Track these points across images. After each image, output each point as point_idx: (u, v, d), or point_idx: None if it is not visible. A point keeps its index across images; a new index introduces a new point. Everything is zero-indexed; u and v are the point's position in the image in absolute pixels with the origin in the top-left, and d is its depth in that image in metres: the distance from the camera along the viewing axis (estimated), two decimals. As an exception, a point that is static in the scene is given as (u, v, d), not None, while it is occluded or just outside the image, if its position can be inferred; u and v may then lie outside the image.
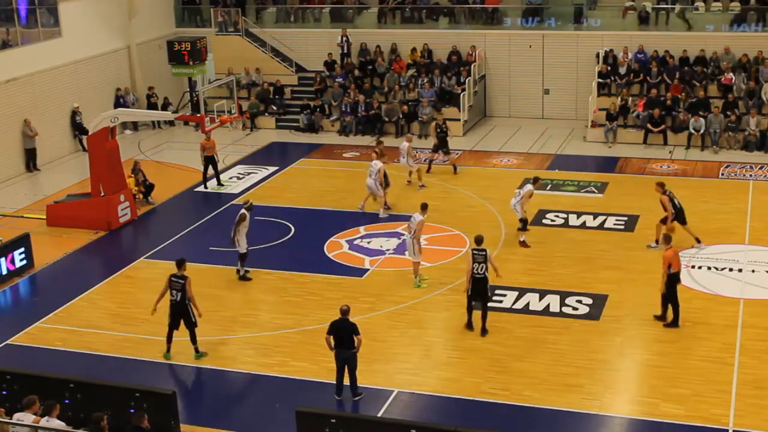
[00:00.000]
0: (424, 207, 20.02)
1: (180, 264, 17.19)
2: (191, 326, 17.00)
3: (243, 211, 20.39)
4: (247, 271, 20.58)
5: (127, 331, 18.33)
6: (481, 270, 17.38)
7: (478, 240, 17.81)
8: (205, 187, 27.01)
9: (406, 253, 20.31)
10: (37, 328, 18.67)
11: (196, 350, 17.14)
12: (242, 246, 20.27)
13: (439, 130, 27.74)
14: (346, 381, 15.63)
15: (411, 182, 26.52)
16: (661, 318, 17.80)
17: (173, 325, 17.07)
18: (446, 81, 32.99)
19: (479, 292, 17.52)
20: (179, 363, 17.07)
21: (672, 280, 17.48)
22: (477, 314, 17.71)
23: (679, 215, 21.23)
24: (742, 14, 32.52)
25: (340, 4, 36.86)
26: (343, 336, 15.34)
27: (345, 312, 15.42)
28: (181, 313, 16.94)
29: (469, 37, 34.24)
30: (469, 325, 17.71)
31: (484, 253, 17.42)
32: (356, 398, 15.62)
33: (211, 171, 27.10)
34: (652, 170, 27.50)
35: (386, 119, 32.35)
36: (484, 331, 17.56)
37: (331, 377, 16.16)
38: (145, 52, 34.79)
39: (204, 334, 17.35)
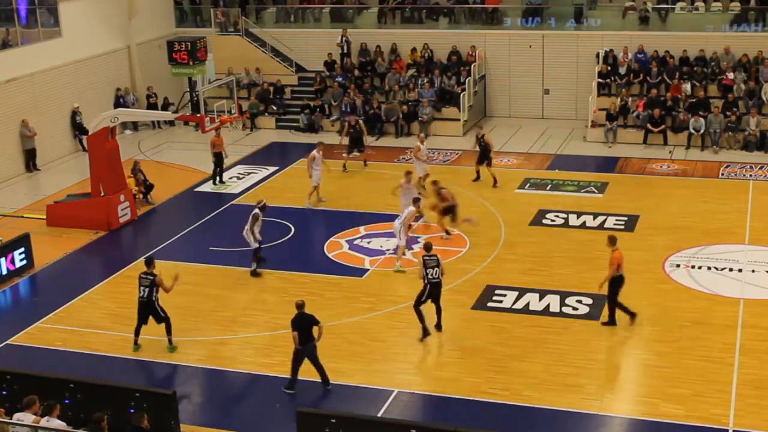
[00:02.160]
0: (416, 201, 21.06)
1: (149, 262, 17.45)
2: (163, 320, 17.31)
3: (256, 211, 20.57)
4: (257, 270, 20.57)
5: (127, 331, 18.30)
6: (435, 275, 17.44)
7: (428, 247, 17.88)
8: (215, 184, 27.08)
9: (394, 238, 21.15)
10: (37, 328, 18.67)
11: (169, 342, 17.36)
12: (252, 241, 20.41)
13: (352, 130, 27.93)
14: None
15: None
16: (611, 323, 17.74)
17: (140, 321, 17.38)
18: (446, 81, 32.99)
19: (435, 296, 17.59)
20: (179, 363, 17.07)
21: (619, 281, 17.55)
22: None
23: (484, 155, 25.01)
24: (742, 14, 32.52)
25: (340, 4, 36.87)
26: (305, 330, 15.58)
27: (300, 306, 15.72)
28: (149, 310, 17.24)
29: (469, 37, 34.24)
30: (427, 331, 17.60)
31: (435, 257, 17.53)
32: (328, 387, 15.86)
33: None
34: (652, 170, 27.50)
35: (385, 119, 32.34)
36: (439, 327, 17.72)
37: (332, 377, 16.18)
38: (145, 52, 34.79)
39: (204, 334, 17.37)
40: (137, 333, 17.48)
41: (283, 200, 25.63)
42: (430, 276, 17.40)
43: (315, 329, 15.65)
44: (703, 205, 24.27)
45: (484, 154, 26.52)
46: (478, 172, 26.72)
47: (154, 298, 17.20)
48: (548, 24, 34.06)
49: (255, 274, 20.61)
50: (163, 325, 17.40)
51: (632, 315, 17.75)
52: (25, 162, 29.59)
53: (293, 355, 15.77)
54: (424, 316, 17.48)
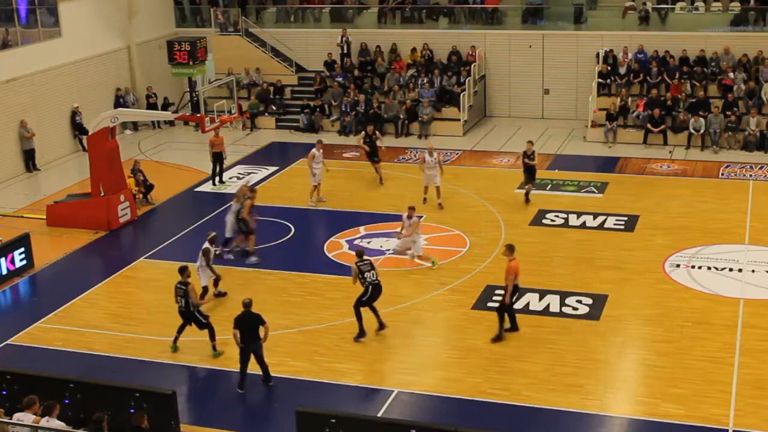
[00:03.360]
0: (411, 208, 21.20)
1: (182, 271, 17.18)
2: (203, 328, 17.14)
3: (206, 245, 19.11)
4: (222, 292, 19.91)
5: (127, 331, 18.34)
6: (374, 277, 17.54)
7: (360, 253, 17.96)
8: (214, 184, 27.09)
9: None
10: (37, 328, 18.67)
11: (213, 348, 17.23)
12: (207, 277, 19.24)
13: (368, 140, 26.75)
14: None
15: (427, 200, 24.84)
16: (513, 329, 17.65)
17: (183, 325, 17.42)
18: (446, 80, 32.99)
19: (375, 299, 17.64)
20: (179, 363, 17.08)
21: (515, 291, 17.52)
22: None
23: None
24: (742, 14, 32.52)
25: (340, 4, 36.87)
26: (249, 328, 15.61)
27: (247, 305, 15.74)
28: (190, 318, 17.17)
29: (469, 37, 34.24)
30: (363, 332, 17.66)
31: (368, 262, 17.69)
32: (270, 384, 15.92)
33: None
34: (652, 170, 27.50)
35: (385, 115, 32.31)
36: (382, 326, 17.77)
37: (332, 377, 16.21)
38: (145, 52, 34.80)
39: (204, 334, 17.33)
40: (179, 331, 17.39)
41: (283, 200, 25.64)
42: (369, 279, 17.50)
43: (261, 329, 15.71)
44: (703, 205, 24.27)
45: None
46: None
47: (192, 308, 17.01)
48: (548, 24, 34.06)
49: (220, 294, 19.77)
50: (205, 330, 17.20)
51: (514, 329, 17.66)
52: (24, 162, 29.60)
53: (239, 354, 15.81)
54: (362, 317, 17.61)
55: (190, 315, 17.09)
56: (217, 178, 27.34)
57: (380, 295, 17.67)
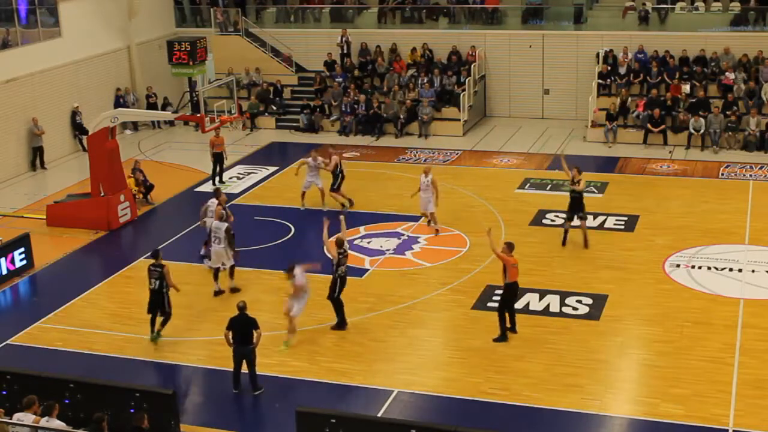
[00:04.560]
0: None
1: (155, 255, 17.70)
2: (165, 314, 17.56)
3: (226, 225, 19.69)
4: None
5: (127, 331, 18.34)
6: (343, 271, 17.83)
7: (340, 243, 17.95)
8: (214, 184, 27.10)
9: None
10: (37, 328, 18.67)
11: (157, 332, 17.60)
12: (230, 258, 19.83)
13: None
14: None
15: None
16: (512, 329, 17.53)
17: (153, 315, 17.64)
18: (446, 80, 32.99)
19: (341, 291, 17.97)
20: (179, 363, 17.08)
21: (509, 292, 17.39)
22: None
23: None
24: (742, 14, 32.53)
25: (340, 4, 36.87)
26: (243, 332, 15.60)
27: (242, 308, 15.72)
28: (158, 300, 17.51)
29: (469, 37, 34.24)
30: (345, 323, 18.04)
31: (346, 253, 17.96)
32: (256, 393, 15.82)
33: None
34: (652, 170, 27.50)
35: (384, 115, 32.31)
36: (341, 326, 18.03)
37: (332, 377, 16.22)
38: (145, 52, 34.80)
39: (204, 334, 17.37)
40: (152, 323, 17.72)
41: (283, 200, 25.63)
42: (340, 272, 17.80)
43: (254, 333, 15.67)
44: (703, 205, 24.27)
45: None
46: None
47: (164, 290, 17.43)
48: (548, 24, 34.06)
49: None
50: (162, 318, 17.65)
51: (513, 330, 17.62)
52: (31, 160, 29.62)
53: (233, 356, 15.83)
54: (342, 307, 18.02)
55: (159, 297, 17.40)
56: (217, 178, 27.33)
57: (344, 287, 18.01)
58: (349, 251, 21.74)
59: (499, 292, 18.71)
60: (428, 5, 35.88)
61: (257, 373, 15.91)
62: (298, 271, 17.06)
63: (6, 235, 22.31)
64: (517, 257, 17.52)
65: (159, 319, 17.69)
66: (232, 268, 19.93)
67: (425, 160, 29.08)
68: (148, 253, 22.13)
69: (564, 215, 22.38)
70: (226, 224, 19.68)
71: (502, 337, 17.36)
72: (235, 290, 19.85)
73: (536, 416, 15.07)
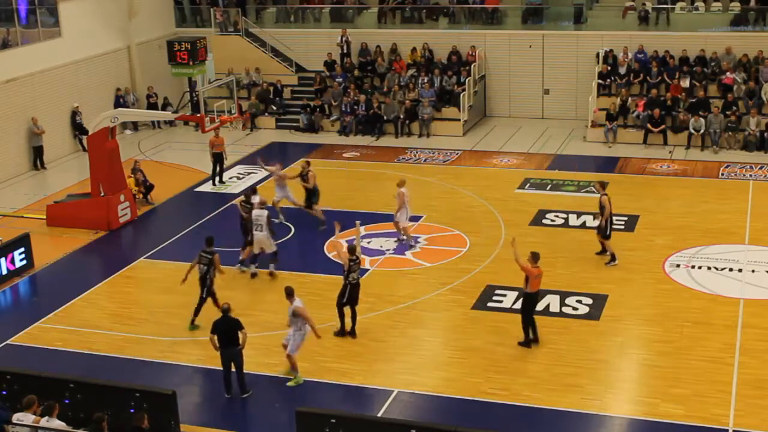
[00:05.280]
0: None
1: (209, 242, 18.35)
2: (201, 299, 18.12)
3: (266, 212, 20.52)
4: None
5: (127, 331, 18.34)
6: (355, 278, 17.64)
7: (352, 250, 17.74)
8: (214, 184, 27.08)
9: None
10: (37, 328, 18.67)
11: (192, 321, 18.09)
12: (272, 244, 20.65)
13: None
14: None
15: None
16: (534, 341, 17.19)
17: (201, 300, 18.18)
18: (447, 80, 32.99)
19: (355, 299, 17.80)
20: (179, 363, 17.08)
21: (529, 300, 17.07)
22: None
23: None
24: (742, 14, 32.53)
25: (340, 4, 36.87)
26: (228, 334, 15.58)
27: (226, 310, 15.71)
28: (203, 285, 18.09)
29: (469, 37, 34.24)
30: (345, 330, 17.87)
31: (358, 260, 17.71)
32: (244, 395, 15.79)
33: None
34: (652, 170, 27.50)
35: (385, 116, 32.31)
36: (353, 333, 17.81)
37: (332, 377, 16.22)
38: (145, 52, 34.81)
39: (204, 334, 17.28)
40: (196, 312, 18.13)
41: (283, 200, 25.57)
42: (351, 279, 17.52)
43: (240, 335, 15.63)
44: (703, 205, 24.26)
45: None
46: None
47: (208, 276, 17.98)
48: (548, 24, 34.06)
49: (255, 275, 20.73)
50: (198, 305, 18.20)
51: (535, 336, 17.24)
52: (32, 159, 29.62)
53: (221, 359, 15.80)
54: (345, 315, 17.85)
55: (204, 283, 18.01)
56: (217, 178, 27.34)
57: (358, 297, 17.70)
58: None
59: (501, 293, 18.78)
60: (428, 5, 35.88)
61: (245, 373, 15.93)
62: (298, 301, 16.30)
63: (6, 235, 22.32)
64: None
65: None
66: (274, 253, 20.48)
67: (425, 160, 29.08)
68: (148, 254, 22.33)
69: (564, 215, 22.28)
70: (267, 211, 20.35)
71: (527, 343, 17.08)
72: (273, 275, 20.48)
73: (536, 416, 15.07)
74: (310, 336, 17.98)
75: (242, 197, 22.10)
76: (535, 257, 16.95)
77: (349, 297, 17.67)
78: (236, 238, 21.37)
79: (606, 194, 20.49)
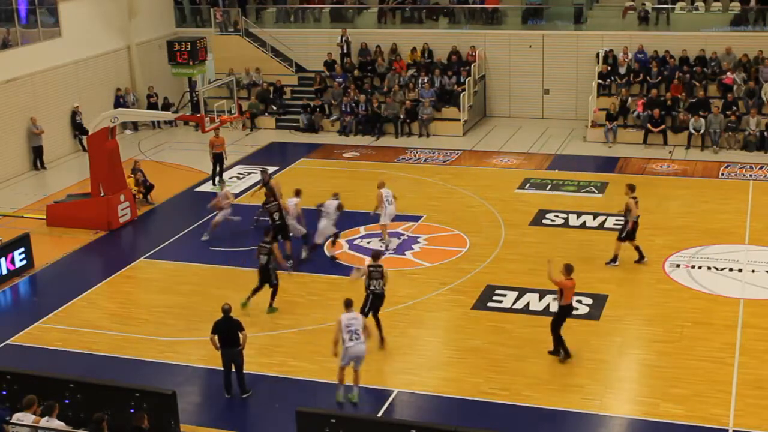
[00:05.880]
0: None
1: (266, 233, 19.11)
2: (273, 285, 18.78)
3: (338, 201, 21.49)
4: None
5: (127, 331, 18.34)
6: (378, 286, 17.15)
7: (375, 256, 17.43)
8: (214, 184, 27.09)
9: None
10: (37, 328, 18.67)
11: (270, 305, 18.81)
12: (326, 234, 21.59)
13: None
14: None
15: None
16: (555, 353, 16.76)
17: (261, 284, 18.74)
18: (447, 80, 32.98)
19: (377, 308, 17.37)
20: (179, 363, 17.07)
21: (563, 313, 16.65)
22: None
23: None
24: (742, 14, 32.53)
25: (340, 4, 36.88)
26: (229, 334, 15.57)
27: (227, 311, 15.69)
28: (265, 275, 18.59)
29: (469, 37, 34.24)
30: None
31: (380, 268, 17.13)
32: (245, 395, 15.79)
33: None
34: (652, 170, 27.50)
35: (385, 114, 32.30)
36: (382, 342, 17.40)
37: (332, 377, 16.18)
38: (145, 52, 34.80)
39: (204, 334, 17.28)
40: (253, 293, 18.75)
41: (283, 200, 25.55)
42: (373, 287, 17.14)
43: (240, 335, 15.61)
44: (703, 205, 24.26)
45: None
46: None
47: (270, 265, 18.49)
48: (548, 24, 34.06)
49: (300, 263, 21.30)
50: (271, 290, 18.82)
51: (565, 351, 16.75)
52: (32, 160, 29.62)
53: (221, 360, 15.79)
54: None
55: (266, 272, 18.49)
56: (217, 178, 27.33)
57: (381, 305, 17.36)
58: (350, 252, 21.87)
59: (501, 293, 18.77)
60: (428, 5, 35.88)
61: (245, 374, 15.92)
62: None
63: (6, 235, 22.31)
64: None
65: (266, 293, 18.76)
66: (336, 234, 21.69)
67: (425, 160, 29.08)
68: (148, 254, 22.33)
69: (564, 215, 22.23)
70: (337, 202, 21.18)
71: (557, 352, 16.69)
72: (307, 259, 21.30)
73: (536, 416, 15.07)
74: (309, 336, 18.02)
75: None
76: (568, 269, 16.53)
77: (370, 306, 17.20)
78: (236, 238, 21.35)
79: (635, 197, 20.40)
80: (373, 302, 17.26)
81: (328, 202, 21.46)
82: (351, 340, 15.19)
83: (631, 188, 20.76)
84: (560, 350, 16.70)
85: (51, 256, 22.33)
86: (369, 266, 17.35)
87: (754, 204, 24.20)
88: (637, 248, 20.62)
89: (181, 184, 27.64)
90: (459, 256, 21.44)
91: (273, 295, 18.80)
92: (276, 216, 21.02)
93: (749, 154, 28.86)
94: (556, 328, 16.72)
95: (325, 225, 21.33)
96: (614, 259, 20.58)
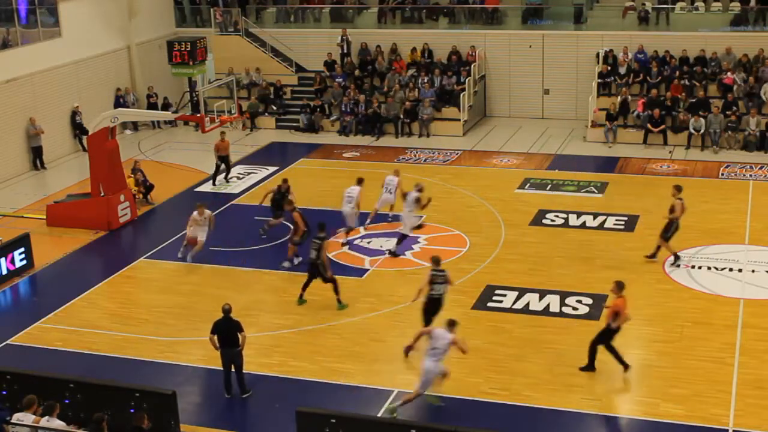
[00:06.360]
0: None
1: (322, 228, 18.88)
2: (330, 281, 18.79)
3: (417, 194, 21.50)
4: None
5: (127, 331, 18.34)
6: (439, 291, 16.75)
7: (437, 261, 16.98)
8: (214, 184, 27.07)
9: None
10: (37, 328, 18.67)
11: (338, 301, 18.79)
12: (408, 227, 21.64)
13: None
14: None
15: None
16: (589, 368, 16.23)
17: (309, 280, 18.89)
18: (447, 80, 32.97)
19: (434, 313, 16.97)
20: (179, 363, 17.07)
21: (610, 334, 15.94)
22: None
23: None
24: (742, 14, 32.53)
25: (340, 4, 36.88)
26: (228, 335, 15.56)
27: (227, 311, 15.67)
28: (316, 270, 18.68)
29: (469, 37, 34.24)
30: None
31: (443, 273, 16.79)
32: (245, 395, 15.78)
33: (212, 169, 27.12)
34: (652, 170, 27.50)
35: (385, 114, 32.29)
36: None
37: (332, 377, 16.22)
38: (145, 52, 34.80)
39: (204, 334, 17.29)
40: (304, 287, 18.88)
41: (283, 200, 25.56)
42: (435, 291, 16.80)
43: (239, 336, 15.59)
44: (703, 205, 24.24)
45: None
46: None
47: (319, 261, 18.52)
48: (548, 24, 34.06)
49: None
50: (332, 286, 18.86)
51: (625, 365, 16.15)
52: (32, 160, 29.62)
53: (221, 360, 15.78)
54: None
55: (316, 268, 18.58)
56: (218, 177, 27.28)
57: (438, 311, 16.85)
58: (350, 252, 21.87)
59: (501, 292, 18.74)
60: (428, 5, 35.88)
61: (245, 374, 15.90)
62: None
63: (6, 235, 22.31)
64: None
65: (321, 287, 18.88)
66: (419, 225, 22.23)
67: (425, 160, 29.08)
68: (148, 254, 22.32)
69: (564, 215, 22.21)
70: (416, 194, 21.39)
71: (590, 367, 16.15)
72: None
73: (536, 416, 15.06)
74: (310, 336, 18.03)
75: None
76: (620, 286, 15.97)
77: (426, 311, 16.98)
78: (237, 238, 21.34)
79: (680, 198, 20.30)
80: (433, 306, 16.91)
81: (411, 194, 21.55)
82: (431, 357, 14.73)
83: (678, 189, 20.64)
84: (593, 365, 16.13)
85: (51, 256, 22.33)
86: (432, 271, 16.93)
87: (754, 204, 24.20)
88: (659, 248, 20.59)
89: (181, 184, 27.63)
90: (459, 256, 21.44)
91: (336, 292, 18.77)
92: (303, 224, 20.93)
93: (749, 154, 28.86)
94: (599, 346, 16.06)
95: (407, 215, 21.57)
96: (676, 258, 20.48)
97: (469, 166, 28.69)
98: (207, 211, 21.63)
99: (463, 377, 16.21)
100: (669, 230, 20.43)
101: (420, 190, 21.63)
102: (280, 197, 22.32)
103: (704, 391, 15.45)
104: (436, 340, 14.85)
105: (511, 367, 16.50)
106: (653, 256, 20.68)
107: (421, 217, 22.51)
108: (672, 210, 20.38)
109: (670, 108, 30.52)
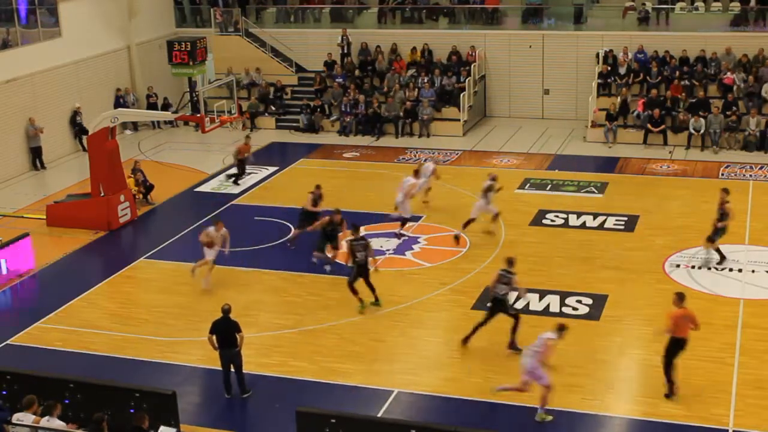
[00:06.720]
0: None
1: (356, 229, 19.00)
2: (368, 281, 18.89)
3: (490, 182, 22.23)
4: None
5: (127, 331, 18.34)
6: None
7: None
8: (236, 183, 27.08)
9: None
10: (37, 328, 18.67)
11: (375, 299, 18.93)
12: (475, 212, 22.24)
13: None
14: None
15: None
16: (670, 394, 15.34)
17: (354, 279, 18.80)
18: (447, 80, 32.97)
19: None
20: (179, 363, 17.07)
21: (678, 345, 15.22)
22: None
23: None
24: (742, 14, 32.54)
25: (340, 4, 36.89)
26: (227, 335, 15.55)
27: (226, 311, 15.66)
28: (365, 272, 18.68)
29: (469, 37, 34.25)
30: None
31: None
32: (245, 396, 15.79)
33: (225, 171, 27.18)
34: (652, 170, 27.50)
35: (385, 114, 32.30)
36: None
37: (332, 377, 16.21)
38: (145, 52, 34.81)
39: (204, 334, 17.31)
40: (355, 292, 18.70)
41: (283, 200, 25.61)
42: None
43: (237, 336, 15.59)
44: (703, 205, 24.22)
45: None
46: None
47: (367, 260, 18.63)
48: (548, 24, 34.06)
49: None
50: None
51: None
52: (31, 160, 29.62)
53: (220, 360, 15.78)
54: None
55: (365, 269, 18.63)
56: (236, 179, 27.25)
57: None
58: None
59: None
60: (428, 5, 35.89)
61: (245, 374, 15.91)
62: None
63: (6, 235, 22.31)
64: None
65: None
66: (496, 215, 22.58)
67: (425, 161, 29.03)
68: (148, 254, 22.33)
69: (564, 215, 22.20)
70: (489, 182, 22.11)
71: (671, 393, 15.33)
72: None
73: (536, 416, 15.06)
74: (310, 336, 18.03)
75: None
76: (681, 297, 15.31)
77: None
78: (236, 238, 21.32)
79: (728, 201, 20.34)
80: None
81: (487, 183, 22.23)
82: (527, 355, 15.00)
83: (727, 192, 20.63)
84: (672, 384, 15.34)
85: (51, 256, 22.33)
86: (500, 271, 17.01)
87: (754, 204, 24.20)
88: (717, 250, 20.58)
89: (181, 184, 27.63)
90: (459, 257, 21.43)
91: (372, 290, 18.87)
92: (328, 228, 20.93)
93: (749, 154, 28.86)
94: (670, 360, 15.32)
95: (481, 204, 22.16)
96: (722, 259, 20.45)
97: (469, 166, 28.68)
98: (224, 229, 20.32)
99: (463, 377, 16.23)
100: (718, 234, 20.37)
101: (494, 179, 22.31)
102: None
103: (704, 391, 15.44)
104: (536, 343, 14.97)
105: (511, 367, 16.48)
106: (723, 259, 20.48)
107: (421, 216, 22.51)
108: (726, 215, 20.20)
109: (670, 108, 30.52)
